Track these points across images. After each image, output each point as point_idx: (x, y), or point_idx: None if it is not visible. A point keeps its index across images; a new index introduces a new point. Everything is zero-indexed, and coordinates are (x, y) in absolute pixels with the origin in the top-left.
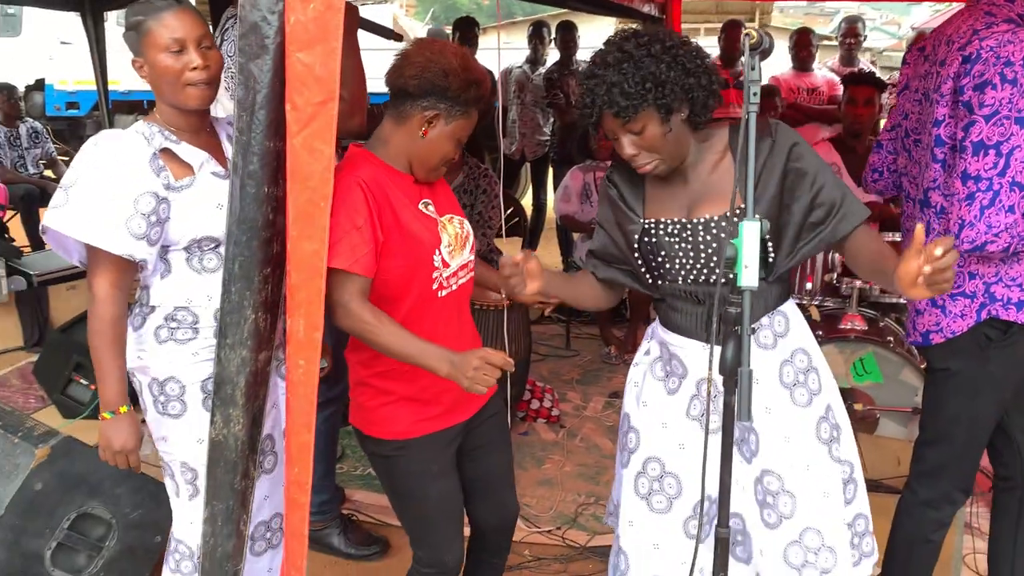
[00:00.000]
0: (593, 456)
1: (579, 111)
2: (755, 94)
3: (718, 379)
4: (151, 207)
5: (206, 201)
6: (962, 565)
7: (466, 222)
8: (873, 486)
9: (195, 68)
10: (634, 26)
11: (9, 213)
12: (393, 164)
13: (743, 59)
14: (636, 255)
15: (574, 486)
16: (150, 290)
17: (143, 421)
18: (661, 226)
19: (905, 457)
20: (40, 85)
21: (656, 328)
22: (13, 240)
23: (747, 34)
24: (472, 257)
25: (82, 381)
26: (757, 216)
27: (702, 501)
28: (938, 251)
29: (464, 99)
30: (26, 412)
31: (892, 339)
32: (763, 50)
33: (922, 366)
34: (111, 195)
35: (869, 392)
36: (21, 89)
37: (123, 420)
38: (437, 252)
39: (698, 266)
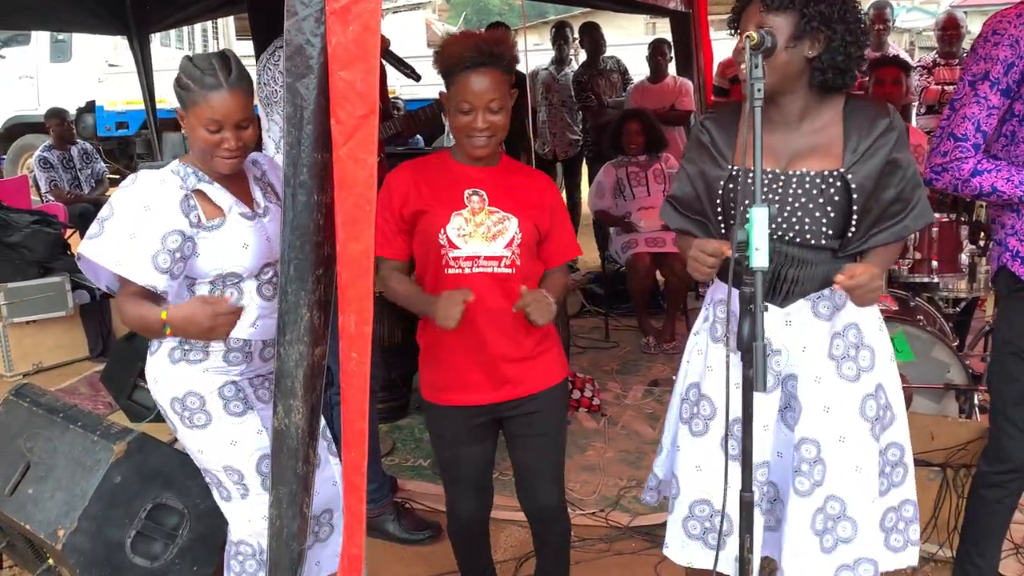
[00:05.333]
0: (634, 442)
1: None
2: (759, 90)
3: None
4: (177, 244)
5: (234, 241)
6: None
7: (512, 220)
8: None
9: (227, 148)
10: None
11: (69, 231)
12: (454, 155)
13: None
14: (718, 203)
15: (616, 471)
16: None
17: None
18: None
19: (938, 432)
20: (91, 107)
21: (715, 289)
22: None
23: (747, 36)
24: (506, 253)
25: (146, 386)
26: (764, 202)
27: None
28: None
29: (451, 67)
30: None
31: (923, 318)
32: (766, 49)
33: (953, 344)
34: (142, 231)
35: (902, 371)
36: (73, 112)
37: (184, 307)
38: (443, 231)
39: (779, 220)
